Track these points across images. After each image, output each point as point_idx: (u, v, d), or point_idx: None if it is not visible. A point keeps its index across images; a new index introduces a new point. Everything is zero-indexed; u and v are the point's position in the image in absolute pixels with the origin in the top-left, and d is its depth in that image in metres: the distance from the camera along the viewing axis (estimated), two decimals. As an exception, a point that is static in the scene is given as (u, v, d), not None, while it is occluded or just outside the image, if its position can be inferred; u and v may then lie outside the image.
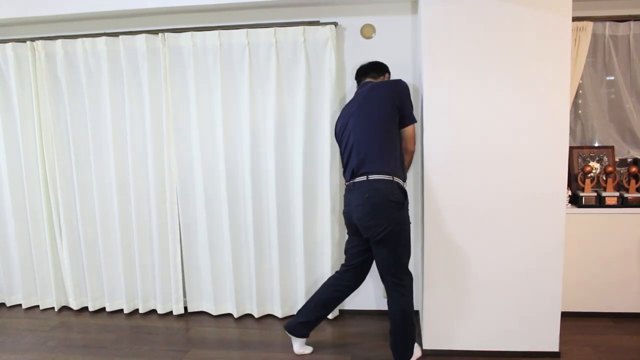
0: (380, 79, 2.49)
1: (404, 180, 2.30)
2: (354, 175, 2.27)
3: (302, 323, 2.52)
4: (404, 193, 2.25)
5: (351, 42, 2.83)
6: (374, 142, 2.21)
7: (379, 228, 2.19)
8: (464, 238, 2.42)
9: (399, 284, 2.26)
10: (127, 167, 3.03)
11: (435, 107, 2.35)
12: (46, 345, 2.78)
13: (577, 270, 2.83)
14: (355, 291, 3.05)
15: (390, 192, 2.18)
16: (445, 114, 2.34)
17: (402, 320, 2.26)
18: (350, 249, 2.47)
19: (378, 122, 2.22)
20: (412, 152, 2.37)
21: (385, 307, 3.05)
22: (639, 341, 2.61)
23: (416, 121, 2.31)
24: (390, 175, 2.20)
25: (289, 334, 2.57)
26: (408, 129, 2.30)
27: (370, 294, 3.07)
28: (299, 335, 2.55)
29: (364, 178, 2.22)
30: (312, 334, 2.75)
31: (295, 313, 3.02)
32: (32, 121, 3.07)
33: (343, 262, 2.54)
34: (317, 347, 2.65)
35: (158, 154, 2.98)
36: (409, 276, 2.29)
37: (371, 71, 2.51)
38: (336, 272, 2.54)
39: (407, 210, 2.27)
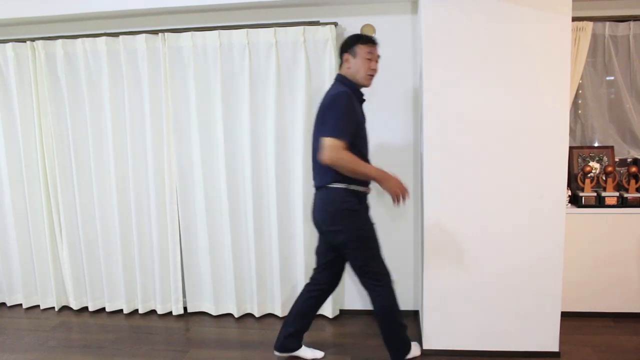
0: (345, 59, 2.27)
1: (363, 185, 2.24)
2: (314, 182, 2.31)
3: (287, 337, 2.48)
4: (359, 198, 2.23)
5: (351, 42, 2.83)
6: (318, 151, 2.18)
7: (335, 234, 2.22)
8: (463, 238, 2.42)
9: (375, 284, 2.24)
10: (127, 167, 3.03)
11: (435, 107, 2.35)
12: (46, 345, 2.78)
13: (577, 270, 2.83)
14: (355, 291, 3.06)
15: (342, 200, 2.18)
16: (445, 114, 2.34)
17: (384, 319, 2.26)
18: (317, 249, 2.46)
19: (317, 132, 2.20)
20: (325, 162, 2.10)
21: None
22: (639, 341, 2.61)
23: (330, 136, 2.07)
24: (342, 183, 2.18)
25: (283, 354, 2.53)
26: (322, 139, 2.11)
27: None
28: (291, 349, 2.51)
29: (319, 185, 2.26)
30: (312, 334, 2.75)
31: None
32: (32, 121, 3.07)
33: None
34: (317, 347, 2.64)
35: (158, 153, 2.98)
36: (384, 275, 2.26)
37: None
38: (309, 278, 2.50)
39: (364, 215, 2.26)
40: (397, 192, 2.14)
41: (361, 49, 2.23)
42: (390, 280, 2.28)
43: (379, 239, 2.28)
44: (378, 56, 2.30)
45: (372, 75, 2.27)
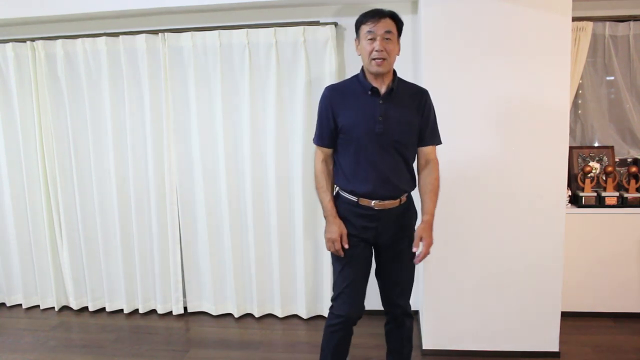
0: (356, 46, 1.95)
1: (354, 193, 1.91)
2: None
3: None
4: (346, 208, 1.95)
5: (351, 42, 2.81)
6: None
7: None
8: (463, 238, 2.42)
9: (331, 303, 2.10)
10: (127, 167, 3.03)
11: (435, 107, 2.34)
12: (46, 345, 2.78)
13: (577, 270, 2.83)
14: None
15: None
16: (445, 114, 2.33)
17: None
18: None
19: None
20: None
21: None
22: (639, 341, 2.61)
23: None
24: (336, 184, 2.02)
25: None
26: None
27: (370, 294, 3.06)
28: None
29: None
30: (313, 334, 2.76)
31: (295, 313, 3.03)
32: (32, 121, 3.07)
33: None
34: (317, 347, 2.64)
35: (158, 153, 2.98)
36: (335, 307, 2.06)
37: None
38: None
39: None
40: (328, 246, 1.97)
41: (362, 30, 1.86)
42: (336, 322, 2.05)
43: (348, 266, 1.99)
44: (387, 32, 1.83)
45: (376, 59, 1.81)
